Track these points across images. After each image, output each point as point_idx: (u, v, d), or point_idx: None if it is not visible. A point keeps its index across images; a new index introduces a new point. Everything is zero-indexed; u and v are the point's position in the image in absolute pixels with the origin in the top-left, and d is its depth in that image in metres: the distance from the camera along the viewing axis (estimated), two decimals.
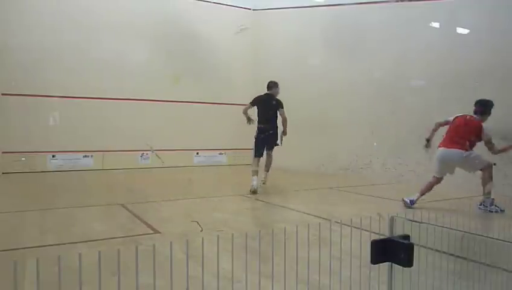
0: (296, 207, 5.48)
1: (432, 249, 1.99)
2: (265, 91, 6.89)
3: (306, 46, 10.51)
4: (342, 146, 9.68)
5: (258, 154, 6.87)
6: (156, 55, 10.59)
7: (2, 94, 9.09)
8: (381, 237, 1.39)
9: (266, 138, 6.80)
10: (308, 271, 1.84)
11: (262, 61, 11.81)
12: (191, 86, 10.91)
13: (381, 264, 1.38)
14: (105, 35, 10.01)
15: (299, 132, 10.32)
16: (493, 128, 6.93)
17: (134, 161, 10.34)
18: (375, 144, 9.11)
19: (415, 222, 1.64)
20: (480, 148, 5.62)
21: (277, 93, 6.90)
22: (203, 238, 1.55)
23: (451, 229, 2.19)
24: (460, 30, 7.76)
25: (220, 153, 11.68)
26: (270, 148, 6.92)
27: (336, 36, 9.64)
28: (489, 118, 7.05)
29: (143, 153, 10.53)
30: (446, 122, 5.72)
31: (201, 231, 3.98)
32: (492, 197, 5.19)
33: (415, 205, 5.48)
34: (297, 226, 1.68)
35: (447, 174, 5.53)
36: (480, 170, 5.41)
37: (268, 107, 6.77)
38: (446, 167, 5.49)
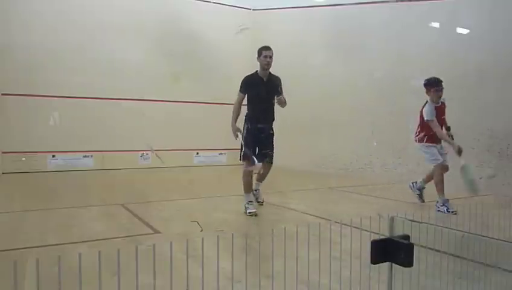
0: (296, 207, 5.48)
1: (432, 249, 1.99)
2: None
3: (306, 46, 10.51)
4: (342, 146, 9.68)
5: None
6: (156, 55, 10.58)
7: (2, 94, 9.10)
8: (381, 237, 1.39)
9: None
10: (308, 271, 1.84)
11: None
12: (191, 86, 10.91)
13: (381, 264, 1.38)
14: (106, 36, 10.01)
15: (299, 131, 10.33)
16: (494, 128, 6.96)
17: (134, 161, 10.34)
18: (375, 144, 9.11)
19: (415, 222, 1.64)
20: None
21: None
22: (203, 239, 1.55)
23: (451, 229, 2.19)
24: (460, 30, 7.76)
25: (220, 153, 11.68)
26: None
27: (336, 36, 9.64)
28: (490, 118, 7.08)
29: (143, 153, 10.53)
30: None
31: (201, 231, 3.98)
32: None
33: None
34: (297, 226, 1.68)
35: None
36: None
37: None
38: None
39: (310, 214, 5.06)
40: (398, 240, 1.35)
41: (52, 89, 9.43)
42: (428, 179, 5.62)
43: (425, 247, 1.93)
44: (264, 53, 4.93)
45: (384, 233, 1.43)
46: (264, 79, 5.03)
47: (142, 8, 10.47)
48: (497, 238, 2.50)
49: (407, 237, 1.38)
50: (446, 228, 2.10)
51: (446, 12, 7.90)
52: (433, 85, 5.34)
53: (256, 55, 5.04)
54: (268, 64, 4.94)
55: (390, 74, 8.80)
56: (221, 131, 11.47)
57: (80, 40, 9.69)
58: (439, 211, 5.19)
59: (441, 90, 5.34)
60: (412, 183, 5.87)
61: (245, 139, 5.01)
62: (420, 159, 8.00)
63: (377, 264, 1.37)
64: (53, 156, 9.59)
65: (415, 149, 8.62)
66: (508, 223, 2.51)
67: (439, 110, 5.45)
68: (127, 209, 5.16)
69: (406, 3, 8.68)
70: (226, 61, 11.34)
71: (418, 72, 8.43)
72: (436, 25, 8.24)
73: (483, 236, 2.34)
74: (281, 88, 5.01)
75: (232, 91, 12.24)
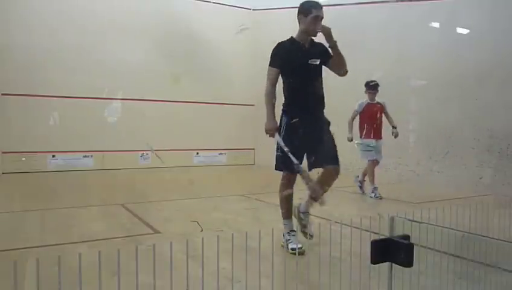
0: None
1: (432, 249, 1.99)
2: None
3: None
4: (342, 146, 9.67)
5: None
6: (156, 55, 10.59)
7: (2, 94, 9.10)
8: (381, 237, 1.39)
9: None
10: (308, 271, 1.84)
11: (262, 61, 11.80)
12: (191, 86, 10.91)
13: (381, 264, 1.38)
14: (106, 36, 10.01)
15: None
16: (494, 128, 6.96)
17: (134, 161, 10.35)
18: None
19: (415, 222, 1.64)
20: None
21: None
22: (203, 238, 1.55)
23: (451, 229, 2.19)
24: (460, 30, 7.76)
25: (220, 153, 11.68)
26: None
27: (336, 36, 9.60)
28: (490, 118, 7.08)
29: (143, 153, 10.53)
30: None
31: (202, 231, 3.98)
32: None
33: (415, 205, 5.50)
34: (297, 226, 1.68)
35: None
36: None
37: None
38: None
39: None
40: (398, 240, 1.35)
41: (52, 89, 9.44)
42: (365, 173, 6.48)
43: (425, 247, 1.93)
44: (315, 12, 3.41)
45: (384, 233, 1.43)
46: (306, 45, 3.49)
47: (142, 8, 10.47)
48: (497, 238, 2.50)
49: (407, 237, 1.38)
50: (446, 228, 2.10)
51: (446, 12, 7.89)
52: (367, 88, 6.41)
53: (298, 14, 3.56)
54: (316, 30, 3.41)
55: (390, 74, 8.80)
56: (221, 131, 11.55)
57: (79, 40, 9.70)
58: (370, 196, 6.24)
59: (373, 93, 6.37)
60: (355, 177, 6.68)
61: (284, 138, 3.37)
62: (420, 159, 8.03)
63: (377, 264, 1.37)
64: (53, 156, 9.60)
65: (414, 149, 8.63)
66: (508, 223, 2.51)
67: (375, 109, 6.47)
68: (127, 209, 5.15)
69: (406, 3, 8.67)
70: (226, 61, 11.36)
71: (418, 72, 8.44)
72: (436, 25, 8.23)
73: (483, 236, 2.34)
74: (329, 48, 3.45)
75: (231, 91, 12.28)
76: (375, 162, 6.34)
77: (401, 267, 1.36)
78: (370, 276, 1.71)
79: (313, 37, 3.50)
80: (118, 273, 1.25)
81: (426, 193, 5.77)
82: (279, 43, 3.55)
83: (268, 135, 3.43)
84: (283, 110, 3.48)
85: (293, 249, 3.14)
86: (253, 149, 12.01)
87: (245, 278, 1.57)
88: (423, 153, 8.03)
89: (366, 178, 6.42)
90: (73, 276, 1.25)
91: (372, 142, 6.36)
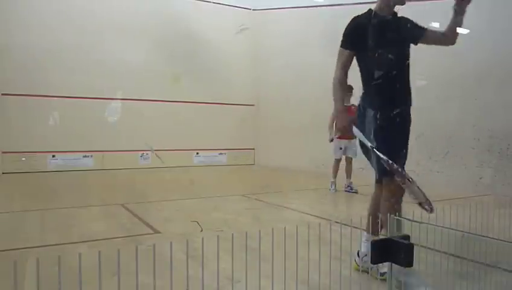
0: (296, 207, 5.47)
1: (432, 249, 1.99)
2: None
3: (306, 46, 10.51)
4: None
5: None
6: (156, 55, 10.59)
7: (2, 94, 9.11)
8: (381, 237, 1.39)
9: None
10: (308, 271, 1.84)
11: (262, 61, 11.81)
12: (191, 86, 10.92)
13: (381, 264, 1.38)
14: (106, 36, 10.02)
15: (299, 131, 10.34)
16: (494, 128, 6.96)
17: (134, 161, 10.35)
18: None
19: (415, 222, 1.64)
20: None
21: None
22: (203, 238, 1.55)
23: (451, 229, 2.19)
24: (460, 30, 7.75)
25: (220, 153, 11.69)
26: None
27: (336, 36, 9.61)
28: (490, 118, 7.09)
29: (143, 153, 10.53)
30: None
31: (201, 231, 3.98)
32: None
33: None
34: (297, 226, 1.68)
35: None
36: None
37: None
38: None
39: (310, 214, 5.06)
40: (398, 240, 1.35)
41: (52, 89, 9.45)
42: (347, 172, 6.82)
43: (425, 247, 1.93)
44: None
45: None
46: (391, 19, 2.81)
47: (141, 8, 10.48)
48: (497, 238, 2.50)
49: (407, 237, 1.38)
50: (446, 228, 2.10)
51: (446, 13, 7.87)
52: None
53: None
54: None
55: None
56: (221, 131, 11.56)
57: (79, 40, 9.70)
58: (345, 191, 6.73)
59: (348, 95, 6.67)
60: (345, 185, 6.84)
61: (386, 138, 2.76)
62: (420, 159, 8.03)
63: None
64: (53, 156, 9.60)
65: (414, 149, 8.64)
66: (508, 223, 2.51)
67: (348, 111, 6.78)
68: (127, 209, 5.15)
69: (406, 3, 8.68)
70: (226, 61, 11.36)
71: (418, 72, 8.43)
72: (436, 25, 8.20)
73: (483, 236, 2.34)
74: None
75: (231, 91, 12.27)
76: (339, 161, 6.97)
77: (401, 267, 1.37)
78: (370, 276, 1.71)
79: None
80: (118, 273, 1.25)
81: (426, 193, 5.76)
82: (354, 18, 2.87)
83: (336, 136, 2.60)
84: (361, 103, 2.82)
85: (382, 273, 2.21)
86: (253, 149, 12.01)
87: (245, 278, 1.57)
88: (423, 153, 8.03)
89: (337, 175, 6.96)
90: (73, 276, 1.25)
91: (344, 142, 6.79)
